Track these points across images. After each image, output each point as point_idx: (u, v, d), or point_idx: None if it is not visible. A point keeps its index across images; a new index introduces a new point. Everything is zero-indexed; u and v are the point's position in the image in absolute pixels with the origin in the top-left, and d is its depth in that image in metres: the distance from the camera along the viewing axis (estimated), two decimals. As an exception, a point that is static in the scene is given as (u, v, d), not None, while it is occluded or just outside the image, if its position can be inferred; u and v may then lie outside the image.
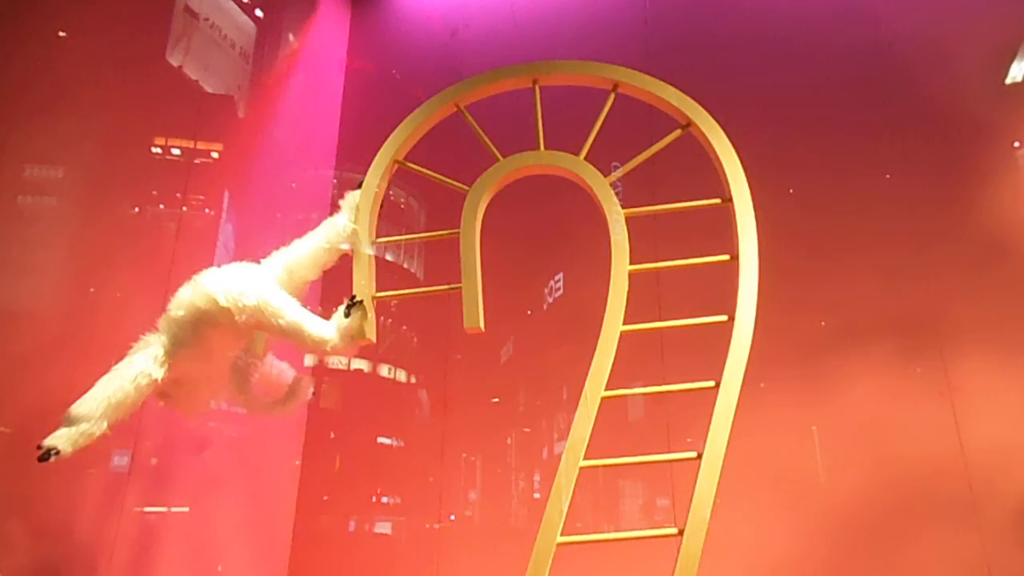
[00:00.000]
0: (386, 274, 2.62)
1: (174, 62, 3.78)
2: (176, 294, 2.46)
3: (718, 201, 2.37)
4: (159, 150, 3.73)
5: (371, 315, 2.39)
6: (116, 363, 2.34)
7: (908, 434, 3.07)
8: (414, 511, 4.08)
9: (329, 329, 2.35)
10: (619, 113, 2.60)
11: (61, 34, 3.28)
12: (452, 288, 2.41)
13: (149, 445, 3.33)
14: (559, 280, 4.01)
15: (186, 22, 3.90)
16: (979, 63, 3.43)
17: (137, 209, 3.57)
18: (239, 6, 4.35)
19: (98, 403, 2.19)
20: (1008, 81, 3.34)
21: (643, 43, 4.13)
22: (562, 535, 2.09)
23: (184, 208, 3.71)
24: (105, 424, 2.19)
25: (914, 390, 3.10)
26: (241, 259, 2.58)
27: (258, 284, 2.39)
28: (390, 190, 2.67)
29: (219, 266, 2.52)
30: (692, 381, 2.21)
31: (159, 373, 2.29)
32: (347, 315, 2.36)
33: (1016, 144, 3.25)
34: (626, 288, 2.30)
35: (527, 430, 3.97)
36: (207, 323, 2.36)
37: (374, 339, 2.40)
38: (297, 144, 4.70)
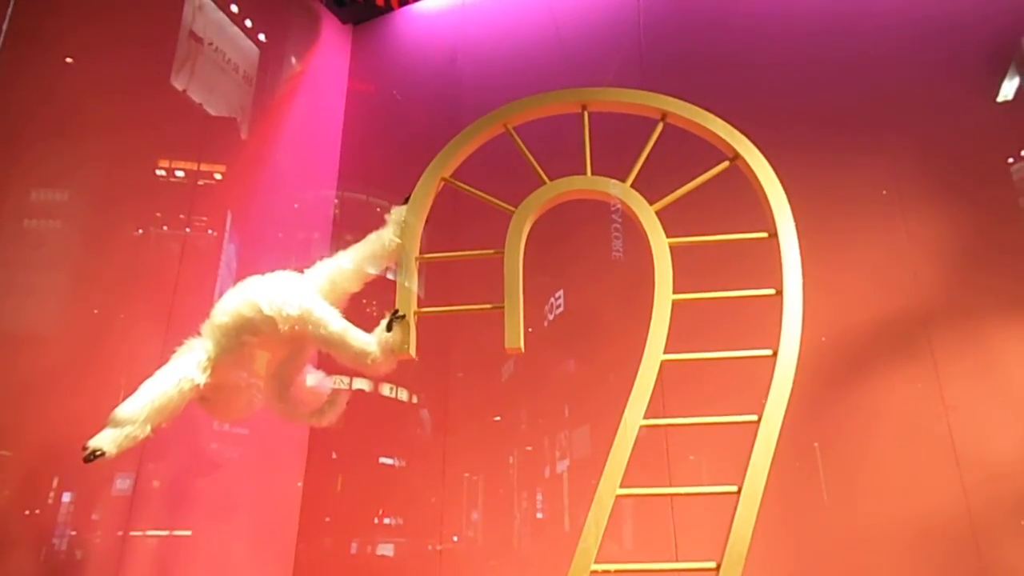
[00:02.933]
0: (386, 292, 2.62)
1: (178, 86, 3.84)
2: (220, 300, 2.47)
3: (764, 235, 2.37)
4: (163, 172, 3.77)
5: (413, 330, 2.39)
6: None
7: (906, 449, 3.06)
8: (416, 532, 4.05)
9: (371, 342, 2.36)
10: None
11: (68, 60, 3.34)
12: (495, 307, 2.40)
13: (152, 468, 3.33)
14: (559, 297, 4.02)
15: (190, 47, 3.97)
16: (971, 80, 3.48)
17: (141, 231, 3.60)
18: (242, 31, 4.42)
19: (142, 406, 2.19)
20: (999, 99, 3.39)
21: (638, 65, 4.19)
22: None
23: (188, 229, 3.74)
24: (149, 427, 2.19)
25: (910, 407, 3.11)
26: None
27: (302, 294, 2.41)
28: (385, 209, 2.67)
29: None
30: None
31: (202, 378, 2.30)
32: (389, 329, 2.36)
33: (1010, 160, 3.29)
34: (669, 317, 2.29)
35: (529, 448, 3.96)
36: (250, 331, 2.38)
37: (414, 355, 2.39)
38: (299, 165, 4.75)
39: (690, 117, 2.54)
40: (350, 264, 2.55)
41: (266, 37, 4.59)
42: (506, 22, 4.89)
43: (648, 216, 2.42)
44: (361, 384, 4.40)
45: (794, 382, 2.15)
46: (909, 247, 3.30)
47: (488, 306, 2.45)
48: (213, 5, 4.18)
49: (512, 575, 3.73)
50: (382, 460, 4.34)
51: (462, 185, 2.63)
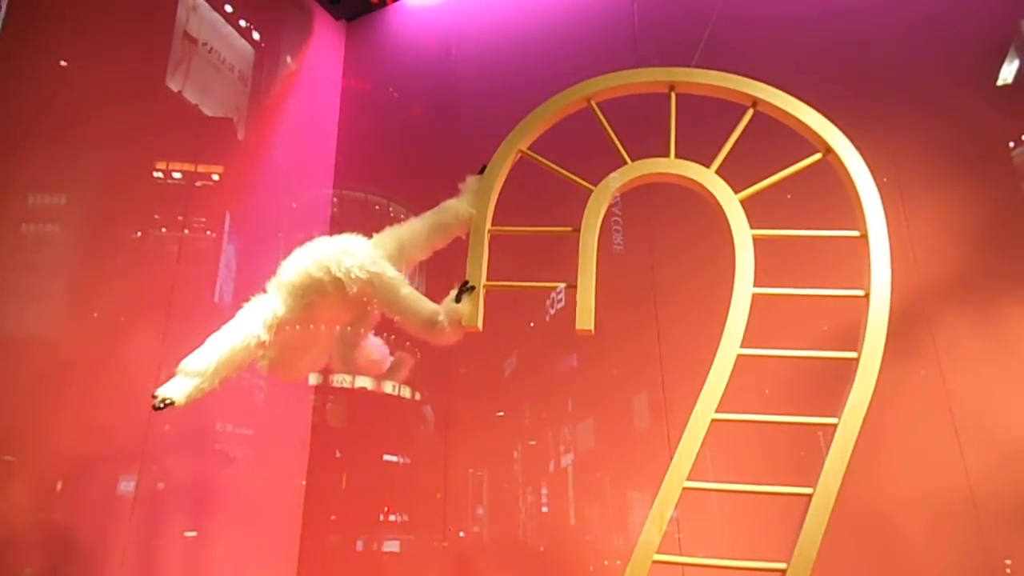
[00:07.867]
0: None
1: (174, 87, 3.83)
2: (288, 259, 2.44)
3: (856, 234, 2.30)
4: (160, 174, 3.77)
5: (481, 303, 2.36)
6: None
7: (909, 435, 3.05)
8: (422, 528, 4.06)
9: (439, 311, 2.34)
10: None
11: (63, 63, 3.33)
12: (569, 286, 2.34)
13: (155, 470, 3.33)
14: (560, 291, 4.02)
15: (185, 48, 3.96)
16: (971, 64, 3.45)
17: (139, 233, 3.59)
18: (237, 30, 4.40)
19: (210, 359, 2.18)
20: (999, 83, 3.36)
21: (631, 55, 4.17)
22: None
23: (186, 231, 3.73)
24: (217, 381, 2.19)
25: (912, 394, 3.09)
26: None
27: (371, 258, 2.37)
28: (374, 197, 2.65)
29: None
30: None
31: (267, 336, 2.29)
32: (458, 300, 2.34)
33: (1011, 144, 3.26)
34: (748, 310, 2.22)
35: (533, 443, 3.96)
36: (317, 291, 2.35)
37: (480, 327, 2.35)
38: (296, 164, 4.74)
39: (782, 106, 2.44)
40: (421, 231, 2.51)
41: (260, 36, 4.57)
42: (500, 14, 4.87)
43: (732, 205, 2.33)
44: (364, 382, 4.40)
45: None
46: (909, 234, 3.28)
47: (561, 284, 2.38)
48: (207, 5, 4.16)
49: (519, 569, 3.74)
50: (385, 457, 4.34)
51: (539, 158, 2.55)
